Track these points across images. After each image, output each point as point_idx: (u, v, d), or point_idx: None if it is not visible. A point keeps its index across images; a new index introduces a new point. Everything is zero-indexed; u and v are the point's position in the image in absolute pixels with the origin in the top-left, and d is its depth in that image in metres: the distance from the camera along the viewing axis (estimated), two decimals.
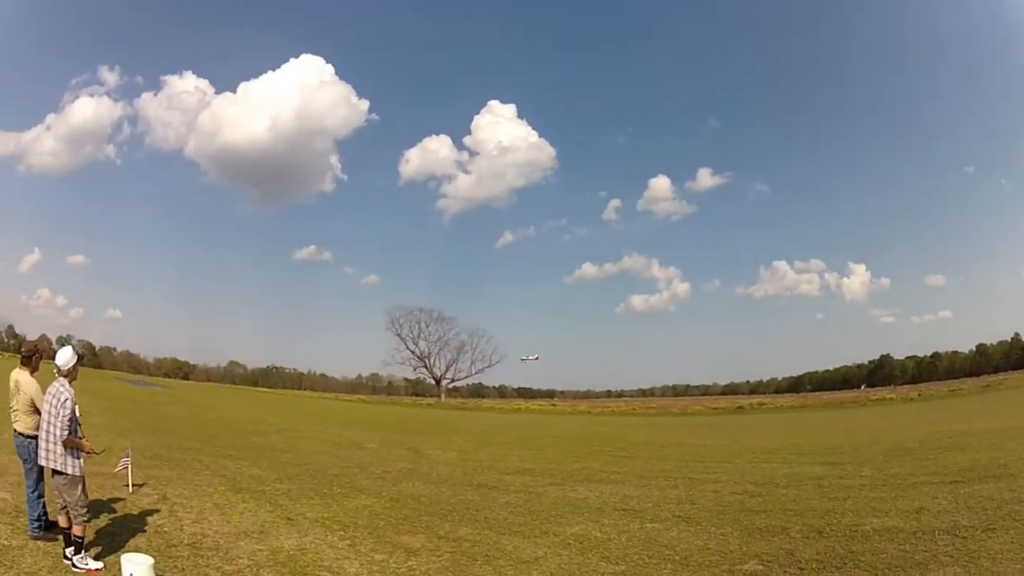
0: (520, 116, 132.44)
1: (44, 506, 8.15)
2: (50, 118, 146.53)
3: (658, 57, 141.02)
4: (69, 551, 7.32)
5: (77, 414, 7.61)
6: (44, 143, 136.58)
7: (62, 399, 7.22)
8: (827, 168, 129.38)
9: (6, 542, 7.76)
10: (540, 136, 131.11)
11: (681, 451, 23.10)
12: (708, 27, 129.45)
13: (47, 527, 8.15)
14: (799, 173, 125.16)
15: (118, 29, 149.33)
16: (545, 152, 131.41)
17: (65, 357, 7.54)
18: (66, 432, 7.16)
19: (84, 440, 7.61)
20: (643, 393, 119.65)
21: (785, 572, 7.93)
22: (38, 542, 7.88)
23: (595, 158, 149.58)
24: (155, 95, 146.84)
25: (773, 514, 11.05)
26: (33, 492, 8.01)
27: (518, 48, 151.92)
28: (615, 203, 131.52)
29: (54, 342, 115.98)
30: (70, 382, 7.52)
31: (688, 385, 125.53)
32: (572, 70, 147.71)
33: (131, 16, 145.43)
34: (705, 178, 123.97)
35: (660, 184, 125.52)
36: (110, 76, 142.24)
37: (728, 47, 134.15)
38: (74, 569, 7.21)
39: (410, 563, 8.41)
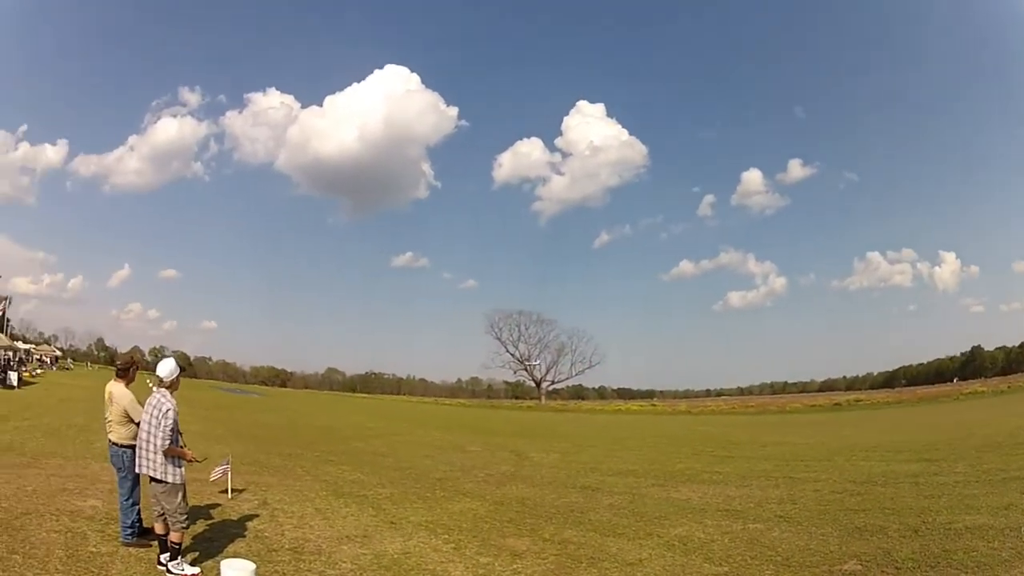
0: (609, 115, 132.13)
1: (138, 513, 8.13)
2: (132, 139, 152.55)
3: (739, 48, 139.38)
4: (164, 557, 7.25)
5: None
6: (128, 163, 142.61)
7: (164, 409, 7.21)
8: (915, 154, 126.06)
9: (95, 548, 7.71)
10: (630, 134, 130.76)
11: (781, 450, 22.82)
12: (788, 16, 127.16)
13: (140, 533, 8.12)
14: (886, 160, 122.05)
15: (196, 51, 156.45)
16: (636, 150, 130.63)
17: (168, 369, 7.51)
18: (168, 442, 7.14)
19: (186, 449, 7.57)
20: (741, 391, 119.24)
21: (883, 572, 7.83)
22: (130, 548, 7.83)
23: (686, 154, 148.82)
24: (240, 112, 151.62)
25: (871, 513, 10.95)
26: (127, 499, 7.98)
27: (603, 48, 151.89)
28: (709, 198, 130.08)
29: (147, 354, 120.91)
30: (172, 393, 7.48)
31: (786, 383, 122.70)
32: (656, 67, 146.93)
33: (208, 39, 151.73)
34: (796, 169, 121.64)
35: (752, 177, 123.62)
36: (191, 97, 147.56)
37: (807, 36, 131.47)
38: (168, 574, 7.12)
39: (515, 566, 8.24)
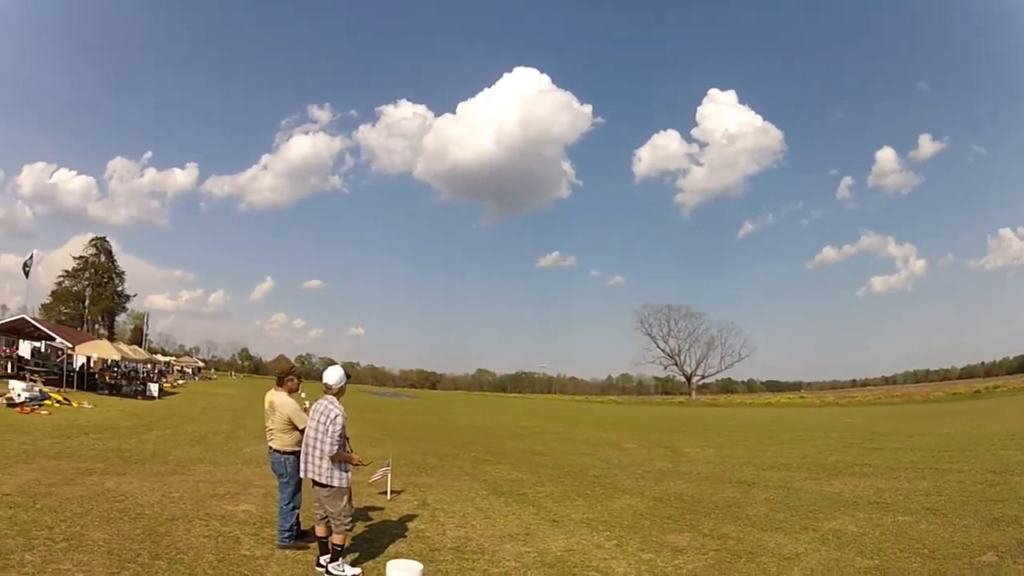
0: (742, 102, 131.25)
1: (297, 517, 8.25)
2: (265, 158, 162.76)
3: (860, 25, 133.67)
4: (324, 559, 7.29)
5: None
6: (262, 181, 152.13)
7: (332, 416, 7.24)
8: None
9: (248, 552, 7.82)
10: (764, 120, 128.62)
11: (926, 440, 22.76)
12: None
13: (297, 536, 8.24)
14: (1013, 129, 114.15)
15: (321, 70, 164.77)
16: (772, 135, 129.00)
17: (336, 376, 7.56)
18: (336, 447, 7.17)
19: (353, 453, 7.62)
20: (886, 380, 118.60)
21: (1016, 562, 7.68)
22: (286, 551, 7.92)
23: (820, 136, 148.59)
24: (372, 126, 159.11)
25: (1009, 503, 10.81)
26: (288, 504, 8.09)
27: (730, 35, 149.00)
28: (847, 181, 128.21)
29: (293, 361, 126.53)
30: (339, 399, 7.51)
31: (928, 370, 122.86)
32: (783, 49, 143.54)
33: (332, 57, 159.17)
34: (926, 145, 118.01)
35: (886, 156, 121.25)
36: (321, 114, 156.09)
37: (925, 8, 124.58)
38: (328, 575, 7.15)
39: (676, 562, 8.15)
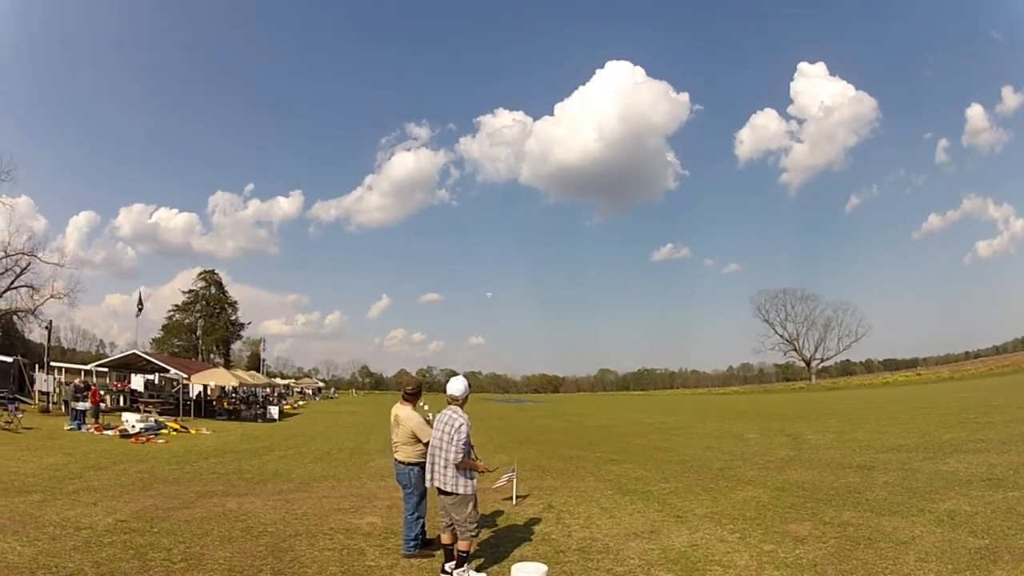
0: (832, 73, 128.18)
1: (423, 526, 8.54)
2: (369, 179, 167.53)
3: None
4: (449, 565, 7.55)
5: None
6: (369, 201, 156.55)
7: (456, 425, 7.47)
8: None
9: (373, 562, 8.12)
10: (857, 89, 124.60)
11: None
12: None
13: (423, 545, 8.54)
14: None
15: (414, 88, 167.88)
16: (866, 103, 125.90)
17: (460, 387, 7.82)
18: (460, 455, 7.40)
19: (478, 460, 7.88)
20: (997, 350, 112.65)
21: None
22: (411, 560, 8.20)
23: (911, 98, 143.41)
24: (473, 137, 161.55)
25: None
26: (413, 514, 8.40)
27: (810, 6, 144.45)
28: (943, 143, 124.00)
29: (414, 374, 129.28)
30: (462, 408, 7.79)
31: None
32: (864, 14, 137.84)
33: (423, 75, 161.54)
34: (1010, 97, 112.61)
35: (975, 113, 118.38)
36: (419, 130, 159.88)
37: None
38: None
39: (797, 551, 8.24)
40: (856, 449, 17.57)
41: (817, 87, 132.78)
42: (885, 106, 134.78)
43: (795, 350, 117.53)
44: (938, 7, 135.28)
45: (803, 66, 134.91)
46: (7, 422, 25.09)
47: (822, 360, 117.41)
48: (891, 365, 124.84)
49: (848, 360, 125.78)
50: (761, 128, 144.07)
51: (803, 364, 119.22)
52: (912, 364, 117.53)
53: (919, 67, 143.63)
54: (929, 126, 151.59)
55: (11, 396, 34.29)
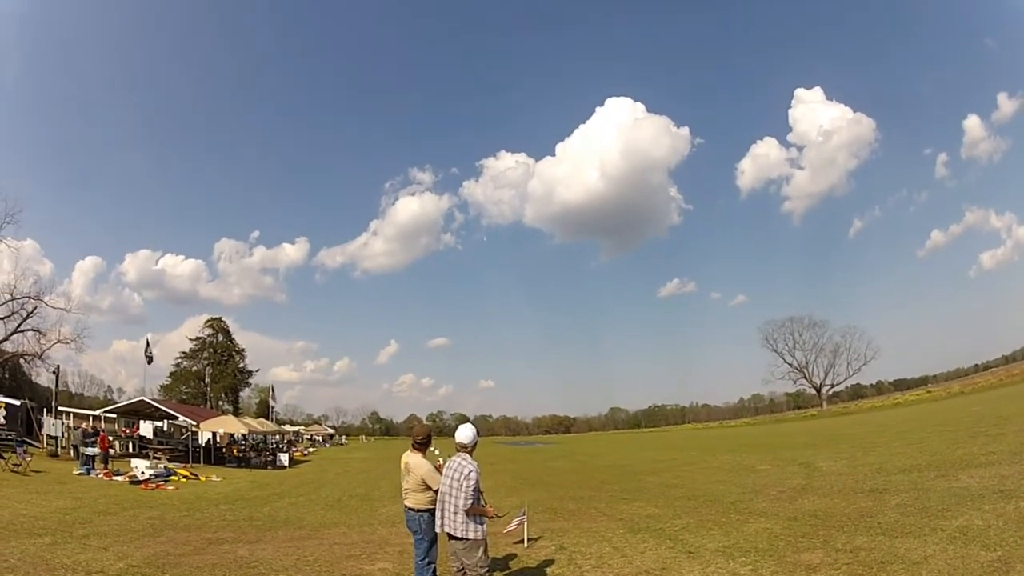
0: (829, 97, 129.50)
1: (434, 571, 8.56)
2: (374, 224, 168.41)
3: None
4: None
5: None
6: (374, 246, 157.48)
7: (466, 472, 7.57)
8: None
9: None
10: (855, 111, 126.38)
11: None
12: None
13: None
14: None
15: (417, 135, 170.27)
16: (865, 125, 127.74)
17: (468, 435, 7.90)
18: (470, 501, 7.49)
19: (487, 506, 7.94)
20: (1006, 360, 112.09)
21: None
22: None
23: (908, 115, 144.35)
24: (476, 180, 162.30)
25: None
26: (423, 559, 8.45)
27: (803, 34, 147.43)
28: (942, 157, 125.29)
29: (424, 419, 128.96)
30: (471, 455, 7.88)
31: None
32: (856, 35, 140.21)
33: (425, 121, 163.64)
34: (1005, 104, 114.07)
35: (972, 124, 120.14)
36: (423, 175, 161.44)
37: None
38: None
39: None
40: (868, 473, 17.57)
41: (815, 112, 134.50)
42: (883, 126, 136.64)
43: (805, 378, 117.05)
44: (929, 19, 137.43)
45: (800, 92, 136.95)
46: (16, 464, 25.28)
47: (832, 386, 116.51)
48: (902, 385, 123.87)
49: (859, 384, 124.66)
50: (762, 157, 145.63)
51: (813, 391, 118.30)
52: (923, 382, 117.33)
53: (914, 82, 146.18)
54: (928, 141, 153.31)
55: (19, 439, 34.45)
